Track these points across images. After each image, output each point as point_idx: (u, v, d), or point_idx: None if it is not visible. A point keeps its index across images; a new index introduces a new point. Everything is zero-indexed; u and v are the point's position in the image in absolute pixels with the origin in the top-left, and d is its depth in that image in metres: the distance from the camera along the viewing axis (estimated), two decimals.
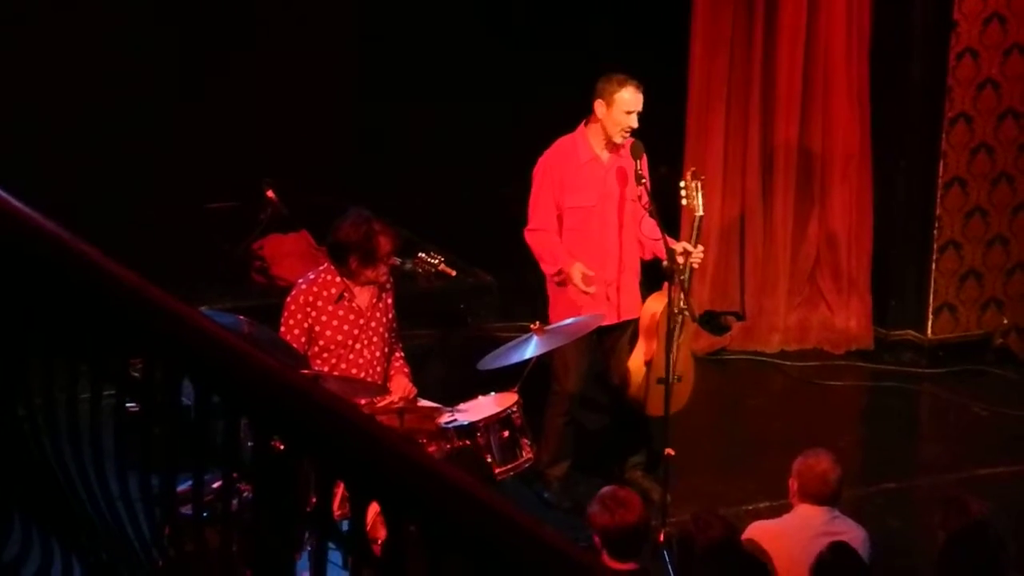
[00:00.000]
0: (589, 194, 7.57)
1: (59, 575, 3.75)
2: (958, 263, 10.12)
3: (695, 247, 7.37)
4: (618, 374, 7.74)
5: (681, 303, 7.33)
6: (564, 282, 7.53)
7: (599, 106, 7.49)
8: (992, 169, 10.02)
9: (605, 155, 7.58)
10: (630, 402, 7.69)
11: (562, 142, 7.65)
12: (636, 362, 7.64)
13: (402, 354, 7.30)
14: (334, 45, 11.34)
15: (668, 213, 7.71)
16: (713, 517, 5.79)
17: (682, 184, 7.51)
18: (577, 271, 7.40)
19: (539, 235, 7.59)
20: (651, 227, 7.41)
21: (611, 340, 7.78)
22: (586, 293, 7.41)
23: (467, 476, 2.54)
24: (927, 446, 9.51)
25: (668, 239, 7.30)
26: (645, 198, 7.29)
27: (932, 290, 10.12)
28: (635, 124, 7.44)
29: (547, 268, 7.61)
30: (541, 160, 7.64)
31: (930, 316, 10.15)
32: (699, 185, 7.48)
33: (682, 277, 7.29)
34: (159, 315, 2.84)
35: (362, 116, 11.38)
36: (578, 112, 7.65)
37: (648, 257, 7.68)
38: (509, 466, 6.67)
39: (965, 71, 9.79)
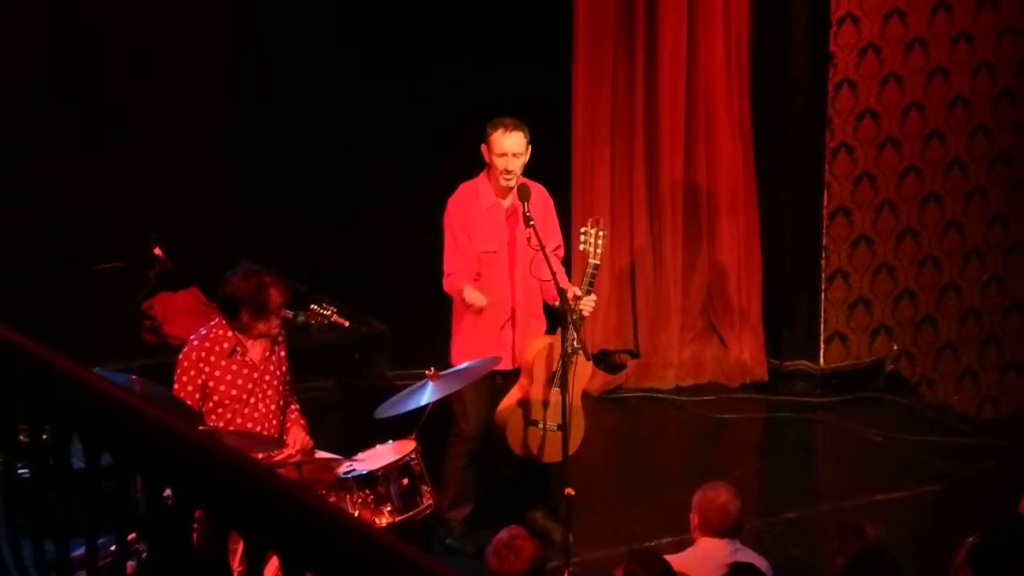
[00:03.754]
0: (492, 240, 7.58)
1: None
2: (846, 292, 10.23)
3: (586, 295, 7.34)
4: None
5: (575, 342, 7.32)
6: (472, 308, 7.51)
7: (484, 151, 7.51)
8: (875, 197, 10.15)
9: (507, 200, 7.58)
10: (506, 446, 7.67)
11: (465, 188, 7.66)
12: (508, 402, 7.64)
13: (297, 406, 7.25)
14: (217, 99, 11.30)
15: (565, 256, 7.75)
16: (651, 555, 5.82)
17: (583, 230, 7.43)
18: (467, 291, 7.45)
19: (449, 279, 7.61)
20: (540, 268, 7.39)
21: (508, 385, 7.76)
22: (482, 307, 7.44)
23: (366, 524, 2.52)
24: (825, 474, 9.59)
25: (560, 279, 7.30)
26: (534, 239, 7.29)
27: (823, 319, 10.22)
28: (511, 167, 7.42)
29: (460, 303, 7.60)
30: (447, 206, 7.66)
31: (822, 345, 10.25)
32: (600, 233, 7.37)
33: (574, 317, 7.28)
34: (43, 372, 2.80)
35: (247, 169, 11.33)
36: (469, 159, 7.66)
37: (552, 302, 7.63)
38: (410, 513, 6.64)
39: (844, 102, 9.93)
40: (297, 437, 7.04)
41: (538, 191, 7.61)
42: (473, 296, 7.47)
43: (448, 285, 7.63)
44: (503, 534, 5.80)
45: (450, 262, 7.63)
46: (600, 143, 10.03)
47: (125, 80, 10.83)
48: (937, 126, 10.20)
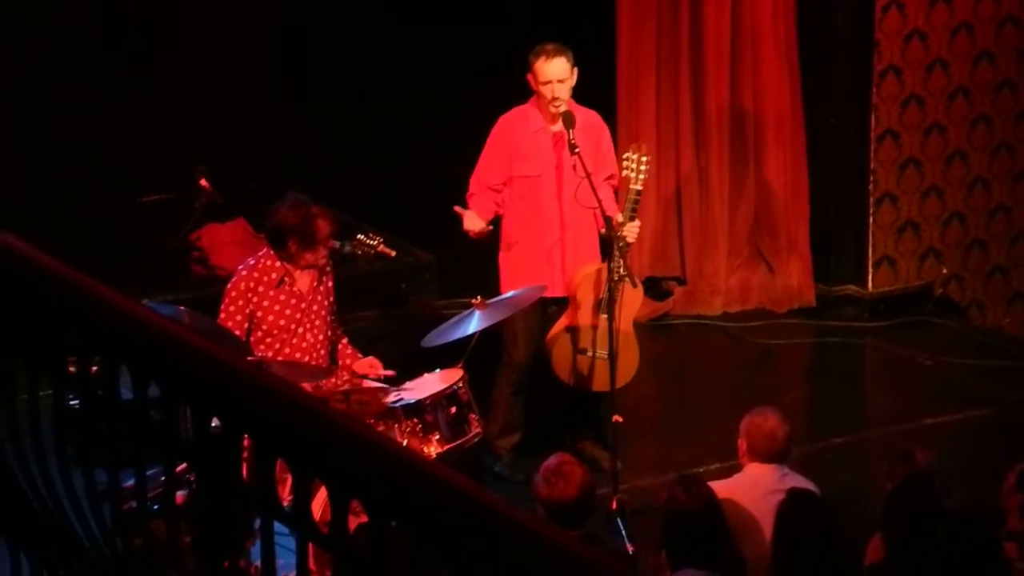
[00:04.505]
0: (535, 163, 7.56)
1: (8, 574, 3.71)
2: (895, 215, 10.17)
3: (630, 221, 7.31)
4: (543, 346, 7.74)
5: (622, 270, 7.29)
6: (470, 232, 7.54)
7: (530, 80, 7.48)
8: (923, 120, 10.06)
9: (555, 124, 7.54)
10: (554, 373, 7.66)
11: (518, 109, 7.65)
12: (556, 329, 7.63)
13: (346, 338, 7.30)
14: (264, 29, 11.28)
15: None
16: (696, 482, 5.82)
17: (625, 155, 7.38)
18: (466, 216, 7.47)
19: (472, 200, 7.61)
20: (586, 195, 7.35)
21: (560, 313, 7.74)
22: (477, 232, 7.46)
23: (414, 453, 2.52)
24: (873, 399, 9.56)
25: (605, 207, 7.27)
26: (580, 167, 7.26)
27: (871, 244, 10.17)
28: (558, 94, 7.39)
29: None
30: (496, 124, 7.66)
31: (870, 270, 10.20)
32: (643, 159, 7.32)
33: (621, 244, 7.25)
34: (92, 304, 2.81)
35: (294, 100, 11.32)
36: (514, 88, 7.63)
37: (600, 230, 7.60)
38: (458, 442, 6.67)
39: (892, 23, 9.82)
40: (368, 361, 7.14)
41: (589, 118, 7.59)
42: (470, 221, 7.46)
43: (471, 204, 7.62)
44: (552, 461, 5.82)
45: (475, 181, 7.64)
46: (645, 69, 9.97)
47: (173, 12, 10.82)
48: (987, 47, 10.08)
